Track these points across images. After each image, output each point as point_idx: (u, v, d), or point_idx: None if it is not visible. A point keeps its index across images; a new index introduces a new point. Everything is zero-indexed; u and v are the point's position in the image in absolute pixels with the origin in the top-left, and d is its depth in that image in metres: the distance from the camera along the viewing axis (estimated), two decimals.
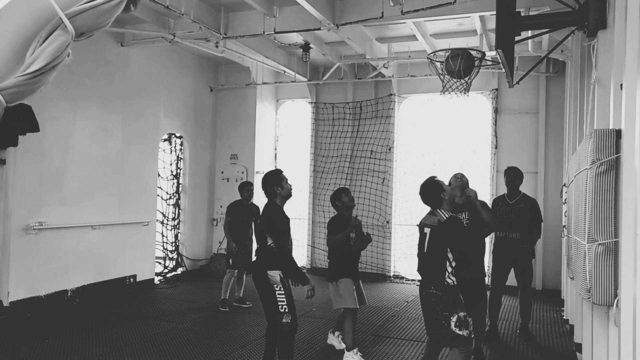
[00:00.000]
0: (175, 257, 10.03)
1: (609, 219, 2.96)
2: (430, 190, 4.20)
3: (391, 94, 10.20)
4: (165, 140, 9.96)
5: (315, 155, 10.87)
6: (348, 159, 10.53)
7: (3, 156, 6.66)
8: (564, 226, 5.82)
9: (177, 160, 10.18)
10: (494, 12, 4.29)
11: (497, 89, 9.56)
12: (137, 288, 8.66)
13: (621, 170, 2.87)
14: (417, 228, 4.36)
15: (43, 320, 6.64)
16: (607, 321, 3.19)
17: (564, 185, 6.27)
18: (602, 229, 2.97)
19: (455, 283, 3.99)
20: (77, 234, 7.66)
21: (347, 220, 5.57)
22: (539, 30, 5.26)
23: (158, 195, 9.60)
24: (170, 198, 10.05)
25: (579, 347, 5.27)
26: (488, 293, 5.89)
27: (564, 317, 7.09)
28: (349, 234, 5.39)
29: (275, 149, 11.38)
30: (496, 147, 9.51)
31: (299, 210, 10.51)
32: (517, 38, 4.63)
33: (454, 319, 3.89)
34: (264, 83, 10.58)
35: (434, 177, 4.31)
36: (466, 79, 6.08)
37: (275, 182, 4.49)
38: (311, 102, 10.95)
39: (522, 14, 5.44)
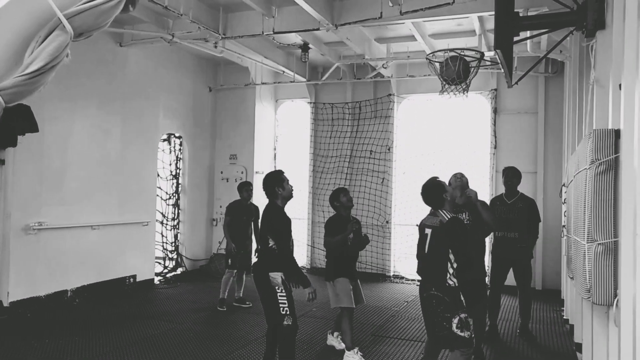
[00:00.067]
0: (175, 257, 10.03)
1: (608, 218, 2.96)
2: (433, 190, 4.18)
3: (390, 94, 10.21)
4: (164, 140, 9.95)
5: (315, 155, 10.88)
6: (347, 159, 10.53)
7: (2, 156, 6.66)
8: (564, 226, 5.82)
9: (177, 160, 10.18)
10: (493, 13, 4.29)
11: (496, 89, 9.56)
12: (137, 288, 8.65)
13: (620, 170, 2.88)
14: (417, 229, 4.35)
15: (43, 320, 6.63)
16: (607, 321, 3.19)
17: (563, 185, 6.27)
18: (602, 228, 2.97)
19: (457, 285, 3.98)
20: (76, 234, 7.65)
21: (345, 220, 5.57)
22: (538, 30, 5.26)
23: (157, 195, 9.60)
24: (170, 198, 10.05)
25: (579, 346, 5.27)
26: (488, 293, 5.90)
27: (564, 317, 7.09)
28: (346, 237, 5.39)
29: (275, 149, 11.38)
30: (495, 147, 9.51)
31: (298, 210, 10.50)
32: (515, 38, 4.64)
33: (455, 320, 3.87)
34: (263, 83, 10.58)
35: (436, 177, 4.29)
36: (466, 80, 6.08)
37: (277, 183, 4.46)
38: (310, 102, 10.95)
39: (521, 15, 5.45)
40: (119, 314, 7.06)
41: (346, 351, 5.32)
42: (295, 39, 8.57)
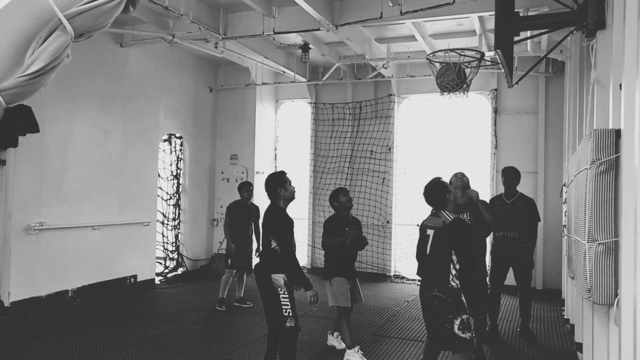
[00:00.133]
0: (176, 257, 10.04)
1: (609, 218, 2.96)
2: (436, 191, 4.16)
3: (391, 94, 10.20)
4: (165, 140, 9.96)
5: (315, 155, 10.88)
6: (348, 159, 10.53)
7: (3, 157, 6.66)
8: (564, 226, 5.82)
9: (177, 160, 10.18)
10: (493, 13, 4.29)
11: (496, 89, 9.56)
12: (137, 288, 8.66)
13: (621, 170, 2.88)
14: (418, 230, 4.32)
15: (44, 320, 6.64)
16: (607, 320, 3.19)
17: (564, 185, 6.27)
18: (602, 228, 2.97)
19: (459, 286, 3.97)
20: (77, 235, 7.66)
21: (344, 220, 5.58)
22: (538, 30, 5.26)
23: (158, 195, 9.60)
24: (171, 198, 10.06)
25: (579, 346, 5.27)
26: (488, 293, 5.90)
27: (565, 317, 7.09)
28: (343, 241, 5.40)
29: (275, 149, 11.38)
30: (496, 147, 9.51)
31: (299, 211, 10.51)
32: (516, 38, 4.64)
33: (457, 322, 3.86)
34: (263, 83, 10.58)
35: (439, 178, 4.28)
36: (462, 86, 6.09)
37: (279, 184, 4.43)
38: (311, 103, 10.96)
39: (521, 15, 5.45)
40: (120, 314, 7.07)
41: (347, 350, 5.33)
42: (296, 39, 8.57)
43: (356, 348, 5.30)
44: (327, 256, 5.65)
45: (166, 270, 9.83)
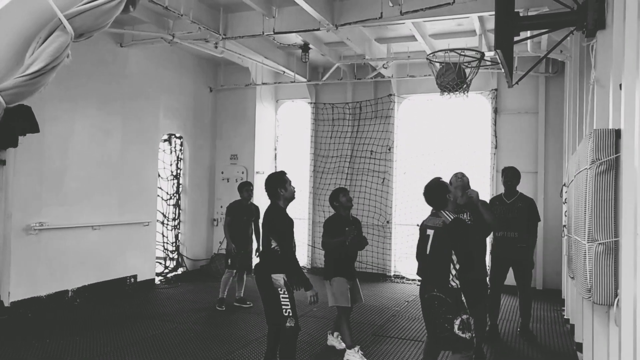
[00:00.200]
0: (176, 257, 10.04)
1: (609, 218, 2.96)
2: (436, 191, 4.16)
3: (391, 94, 10.20)
4: (165, 140, 9.96)
5: (315, 155, 10.88)
6: (348, 159, 10.53)
7: (3, 157, 6.66)
8: (564, 226, 5.82)
9: (177, 160, 10.18)
10: (493, 13, 4.29)
11: (496, 89, 9.56)
12: (137, 288, 8.66)
13: (621, 170, 2.88)
14: (418, 230, 4.31)
15: (44, 320, 6.64)
16: (607, 320, 3.19)
17: (564, 185, 6.27)
18: (602, 228, 2.97)
19: (459, 286, 3.96)
20: (77, 235, 7.66)
21: (344, 220, 5.58)
22: (538, 30, 5.26)
23: (158, 195, 9.60)
24: (171, 198, 10.06)
25: (579, 346, 5.27)
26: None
27: (565, 317, 7.09)
28: (344, 241, 5.41)
29: (275, 149, 11.38)
30: (496, 147, 9.51)
31: (299, 211, 10.51)
32: (516, 38, 4.64)
33: (457, 322, 3.85)
34: (263, 83, 10.58)
35: (439, 178, 4.28)
36: (462, 86, 6.10)
37: (279, 184, 4.42)
38: (311, 103, 10.96)
39: (521, 15, 5.45)
40: (120, 314, 7.07)
41: (347, 350, 5.33)
42: (296, 39, 8.57)
43: (356, 348, 5.30)
44: (327, 256, 5.65)
45: (166, 270, 9.83)
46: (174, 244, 10.03)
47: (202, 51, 9.08)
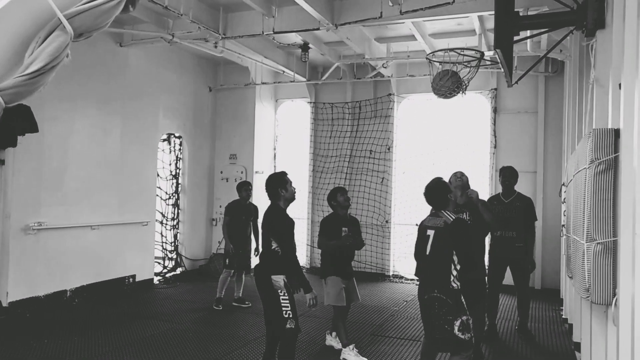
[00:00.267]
0: (175, 257, 10.03)
1: (607, 218, 2.97)
2: (438, 191, 4.13)
3: (390, 94, 10.21)
4: (164, 140, 9.95)
5: (315, 155, 10.88)
6: (347, 158, 10.53)
7: (2, 157, 6.65)
8: (563, 225, 5.83)
9: (176, 160, 10.18)
10: (493, 12, 4.29)
11: (496, 89, 9.57)
12: (136, 288, 8.65)
13: (620, 170, 2.88)
14: (417, 230, 4.28)
15: (42, 320, 6.63)
16: (605, 320, 3.20)
17: (563, 184, 6.27)
18: (601, 228, 2.97)
19: (459, 287, 3.94)
20: (76, 234, 7.65)
21: (341, 220, 5.59)
22: (538, 30, 5.26)
23: (157, 195, 9.60)
24: (170, 198, 10.05)
25: (577, 346, 5.28)
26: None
27: (563, 316, 7.10)
28: (341, 245, 5.44)
29: (275, 149, 11.38)
30: (495, 147, 9.52)
31: (298, 210, 10.51)
32: (515, 38, 4.64)
33: (457, 323, 3.83)
34: (263, 83, 10.58)
35: (440, 177, 4.27)
36: (459, 92, 6.12)
37: (280, 185, 4.39)
38: (310, 102, 10.96)
39: (521, 14, 5.46)
40: (118, 314, 7.06)
41: (342, 348, 5.34)
42: (295, 38, 8.57)
43: (351, 346, 5.33)
44: (324, 255, 5.66)
45: (165, 270, 9.82)
46: (172, 244, 10.03)
47: (202, 51, 9.08)
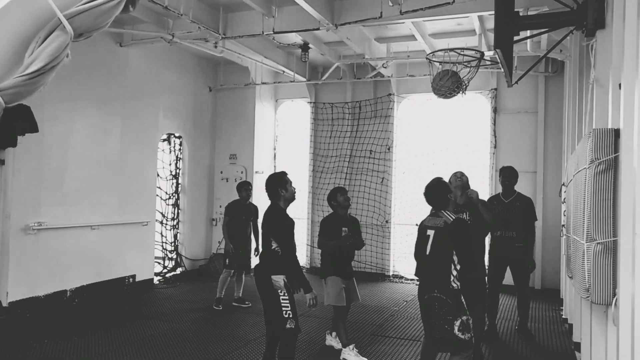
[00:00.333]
0: (175, 257, 10.03)
1: (607, 218, 2.97)
2: (438, 191, 4.12)
3: (390, 94, 10.21)
4: (164, 140, 9.95)
5: (315, 155, 10.88)
6: (347, 158, 10.53)
7: (2, 157, 6.65)
8: (563, 225, 5.83)
9: (176, 160, 10.18)
10: (493, 12, 4.29)
11: (496, 89, 9.57)
12: (136, 288, 8.65)
13: (620, 170, 2.88)
14: (417, 230, 4.28)
15: (42, 320, 6.63)
16: (605, 320, 3.20)
17: (563, 184, 6.27)
18: (601, 228, 2.97)
19: (459, 287, 3.94)
20: (76, 234, 7.65)
21: (341, 220, 5.59)
22: (538, 30, 5.26)
23: (157, 195, 9.60)
24: (170, 198, 10.05)
25: (577, 346, 5.28)
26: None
27: (563, 316, 7.10)
28: (341, 245, 5.45)
29: (275, 149, 11.38)
30: (495, 147, 9.52)
31: (298, 210, 10.51)
32: (515, 38, 4.64)
33: (457, 323, 3.83)
34: (263, 83, 10.58)
35: (441, 177, 4.26)
36: (459, 92, 6.12)
37: (280, 185, 4.38)
38: (310, 102, 10.96)
39: (521, 14, 5.46)
40: (118, 314, 7.06)
41: (342, 348, 5.35)
42: (296, 38, 8.57)
43: (351, 346, 5.33)
44: (324, 255, 5.67)
45: (165, 270, 9.82)
46: (172, 244, 10.03)
47: (202, 51, 9.08)
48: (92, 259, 7.90)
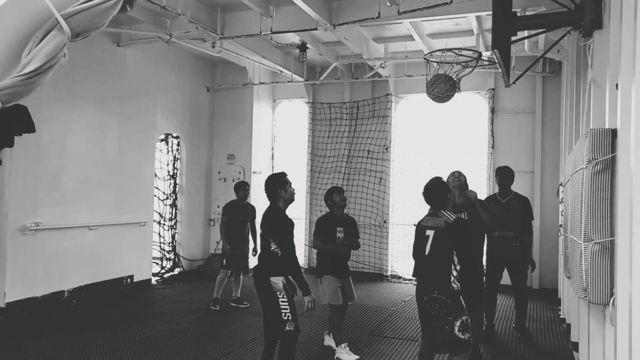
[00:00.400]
0: (172, 257, 10.02)
1: (605, 218, 2.97)
2: (437, 190, 4.11)
3: (388, 94, 10.21)
4: (162, 140, 9.93)
5: (313, 155, 10.88)
6: (345, 158, 10.53)
7: None
8: (561, 225, 5.84)
9: (174, 160, 10.17)
10: (491, 12, 4.30)
11: (493, 89, 9.58)
12: (134, 288, 8.64)
13: (617, 170, 2.88)
14: (416, 230, 4.25)
15: (39, 321, 6.62)
16: (603, 320, 3.20)
17: (561, 184, 6.29)
18: (598, 228, 2.98)
19: (459, 288, 3.92)
20: (73, 235, 7.63)
21: (337, 219, 5.60)
22: (535, 30, 5.27)
23: (155, 195, 9.58)
24: (167, 198, 10.04)
25: (575, 345, 5.29)
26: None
27: (561, 316, 7.11)
28: (336, 250, 5.48)
29: (272, 149, 11.38)
30: (493, 147, 9.53)
31: (296, 210, 10.50)
32: (513, 38, 4.64)
33: (457, 323, 3.82)
34: (260, 83, 10.57)
35: (440, 177, 4.25)
36: (453, 95, 6.14)
37: (279, 186, 4.36)
38: (308, 102, 10.96)
39: (519, 14, 5.45)
40: (116, 315, 7.05)
41: (336, 347, 5.36)
42: (293, 38, 8.56)
43: (343, 345, 5.36)
44: (320, 254, 5.68)
45: (163, 271, 9.81)
46: (170, 244, 10.01)
47: (200, 51, 9.07)
48: (90, 259, 7.88)
